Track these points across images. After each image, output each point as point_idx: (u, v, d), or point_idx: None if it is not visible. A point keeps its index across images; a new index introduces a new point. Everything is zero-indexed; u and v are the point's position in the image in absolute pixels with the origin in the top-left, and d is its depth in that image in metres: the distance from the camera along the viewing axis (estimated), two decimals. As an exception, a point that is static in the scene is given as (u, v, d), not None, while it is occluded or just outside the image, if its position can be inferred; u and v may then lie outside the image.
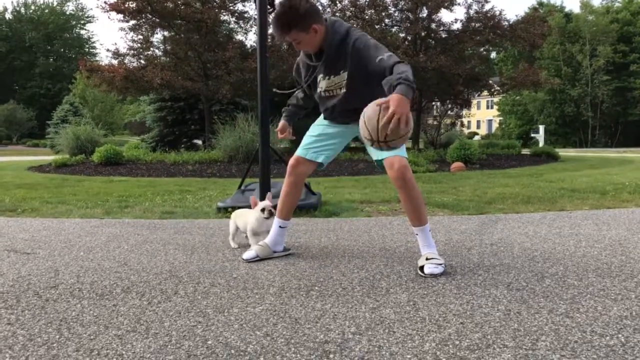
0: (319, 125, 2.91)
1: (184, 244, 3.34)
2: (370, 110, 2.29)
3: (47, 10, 73.43)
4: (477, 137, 50.39)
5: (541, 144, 23.82)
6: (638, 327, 1.83)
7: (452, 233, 3.60)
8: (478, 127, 62.22)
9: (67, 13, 75.32)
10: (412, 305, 2.10)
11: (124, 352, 1.67)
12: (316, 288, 2.36)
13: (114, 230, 3.84)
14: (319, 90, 2.75)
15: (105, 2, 11.81)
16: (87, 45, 77.76)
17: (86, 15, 76.87)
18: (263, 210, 3.04)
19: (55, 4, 74.72)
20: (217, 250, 3.15)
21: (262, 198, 4.31)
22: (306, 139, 2.92)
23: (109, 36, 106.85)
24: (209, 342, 1.76)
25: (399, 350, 1.67)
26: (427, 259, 2.58)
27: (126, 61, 13.01)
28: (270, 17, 2.54)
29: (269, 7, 4.39)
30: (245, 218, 3.18)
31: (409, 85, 2.21)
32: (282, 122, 3.04)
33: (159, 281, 2.50)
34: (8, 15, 72.49)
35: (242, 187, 5.12)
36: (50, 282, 2.50)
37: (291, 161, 2.93)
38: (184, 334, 1.84)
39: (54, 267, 2.78)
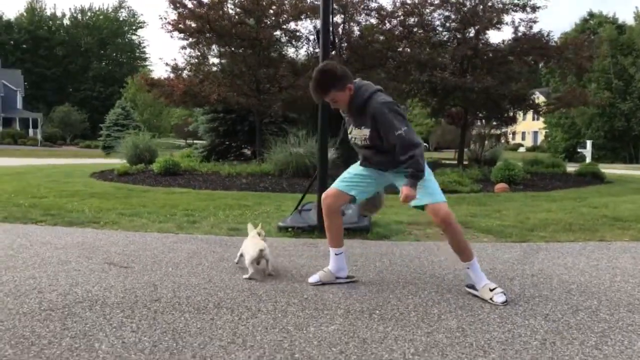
0: (356, 166, 3.34)
1: (256, 263, 3.80)
2: None
3: (101, 17, 76.64)
4: (521, 149, 49.62)
5: (588, 159, 23.50)
6: (656, 361, 2.17)
7: (496, 262, 3.94)
8: (523, 138, 61.23)
9: (120, 19, 78.37)
10: (461, 332, 2.49)
11: (230, 360, 2.12)
12: (377, 312, 2.77)
13: (191, 247, 4.34)
14: (350, 136, 3.21)
15: (168, 23, 12.60)
16: (137, 50, 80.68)
17: (137, 22, 79.83)
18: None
19: (109, 10, 77.93)
20: (286, 271, 3.60)
21: (320, 218, 4.74)
22: (343, 175, 3.34)
23: (159, 43, 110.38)
24: (296, 356, 2.19)
25: (452, 371, 2.06)
26: (491, 289, 2.96)
27: (184, 75, 13.74)
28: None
29: (330, 45, 4.83)
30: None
31: (417, 176, 2.85)
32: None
33: (243, 298, 2.95)
34: (66, 21, 76.02)
35: (300, 207, 5.56)
36: (153, 295, 2.99)
37: (324, 193, 3.34)
38: (274, 347, 2.28)
39: (151, 281, 3.28)
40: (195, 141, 36.33)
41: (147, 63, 78.00)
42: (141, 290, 3.07)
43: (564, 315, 2.73)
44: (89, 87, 69.86)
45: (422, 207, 3.02)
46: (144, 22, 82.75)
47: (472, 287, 3.09)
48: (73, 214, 5.94)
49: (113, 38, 76.10)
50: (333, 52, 5.33)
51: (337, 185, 3.30)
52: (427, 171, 3.01)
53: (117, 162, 14.32)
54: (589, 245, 4.70)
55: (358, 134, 3.11)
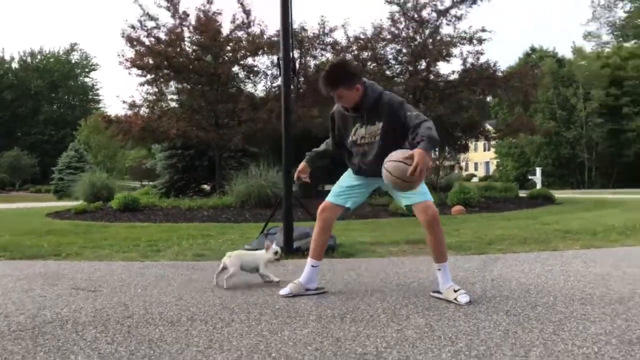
0: (348, 177, 3.45)
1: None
2: (394, 160, 2.86)
3: (52, 59, 75.37)
4: (474, 179, 51.07)
5: (538, 185, 24.40)
6: (609, 342, 2.33)
7: (457, 270, 4.11)
8: (476, 169, 63.10)
9: (72, 62, 77.31)
10: (429, 327, 2.61)
11: (209, 362, 2.17)
12: (348, 316, 2.86)
13: (158, 271, 4.34)
14: (354, 138, 3.26)
15: (126, 59, 12.65)
16: (91, 93, 79.53)
17: (90, 64, 78.90)
18: (276, 253, 3.67)
19: (60, 53, 76.82)
20: (257, 287, 3.65)
21: (287, 242, 4.84)
22: (336, 188, 3.46)
23: (114, 83, 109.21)
24: (273, 355, 2.26)
25: (422, 358, 2.17)
26: (455, 290, 3.10)
27: (141, 112, 13.73)
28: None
29: (292, 73, 5.01)
30: (255, 258, 3.72)
31: (431, 141, 2.78)
32: (303, 164, 3.56)
33: (215, 312, 2.99)
34: (14, 65, 74.43)
35: (265, 231, 5.63)
36: (125, 313, 2.99)
37: (321, 207, 3.46)
38: (251, 349, 2.33)
39: (122, 301, 3.27)
40: (151, 182, 35.96)
41: (100, 105, 76.99)
42: (112, 310, 3.07)
43: (523, 310, 2.89)
44: (40, 131, 68.08)
45: (410, 208, 3.16)
46: (97, 65, 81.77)
47: (437, 292, 3.23)
48: (32, 249, 5.82)
49: (64, 81, 74.81)
50: (295, 80, 5.52)
51: (331, 199, 3.42)
52: None
53: (72, 204, 14.00)
54: (543, 254, 4.94)
55: (368, 132, 3.17)
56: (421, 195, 3.11)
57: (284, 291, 3.38)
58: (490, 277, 3.84)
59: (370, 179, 3.39)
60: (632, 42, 50.01)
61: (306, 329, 2.63)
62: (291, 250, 4.99)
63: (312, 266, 3.44)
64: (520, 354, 2.20)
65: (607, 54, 44.02)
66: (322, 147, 3.61)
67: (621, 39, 53.42)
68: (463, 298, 3.05)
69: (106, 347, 2.40)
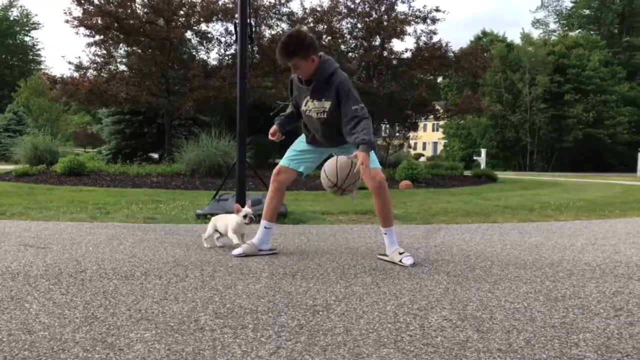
0: (301, 142, 3.56)
1: (178, 243, 3.89)
2: (333, 165, 3.11)
3: (-12, 15, 71.10)
4: (422, 159, 52.22)
5: (482, 166, 25.25)
6: (537, 299, 2.55)
7: (403, 237, 4.30)
8: (424, 148, 64.47)
9: (11, 19, 73.09)
10: (376, 285, 2.76)
11: (165, 312, 2.24)
12: (299, 274, 2.99)
13: (109, 232, 4.33)
14: (304, 108, 3.35)
15: (74, 18, 12.12)
16: (31, 53, 75.61)
17: (31, 22, 74.83)
18: (245, 216, 3.62)
19: (-3, 9, 72.46)
20: (209, 249, 3.72)
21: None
22: (289, 152, 3.56)
23: (58, 44, 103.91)
24: (227, 306, 2.35)
25: (368, 310, 2.32)
26: (400, 253, 3.28)
27: (88, 74, 13.26)
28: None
29: (248, 39, 5.02)
30: (226, 221, 3.73)
31: (370, 147, 3.03)
32: (274, 127, 3.57)
33: (169, 268, 3.05)
34: (-53, 19, 69.69)
35: (217, 197, 5.67)
36: (77, 268, 3.01)
37: (275, 170, 3.56)
38: (206, 301, 2.42)
39: (74, 257, 3.28)
40: (95, 149, 34.83)
41: (42, 67, 73.36)
42: (64, 265, 3.08)
43: (462, 272, 3.10)
44: (-27, 91, 64.39)
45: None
46: (39, 24, 77.72)
47: (384, 255, 3.40)
48: (-27, 208, 5.65)
49: (2, 38, 70.76)
50: (250, 47, 5.52)
51: (285, 163, 3.52)
52: None
53: (11, 167, 13.46)
54: (483, 226, 5.22)
55: (316, 107, 3.26)
56: (371, 163, 3.24)
57: (236, 251, 3.47)
58: (433, 244, 4.06)
59: (321, 148, 3.51)
60: (577, 31, 51.96)
61: (259, 284, 2.74)
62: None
63: (265, 227, 3.54)
64: (458, 307, 2.38)
65: (553, 42, 45.54)
66: (289, 109, 3.63)
67: (567, 28, 55.36)
68: (407, 260, 3.23)
69: (61, 297, 2.43)
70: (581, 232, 4.90)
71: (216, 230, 3.78)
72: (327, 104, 3.21)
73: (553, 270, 3.17)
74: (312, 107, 3.29)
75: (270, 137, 3.61)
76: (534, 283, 2.86)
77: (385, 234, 3.37)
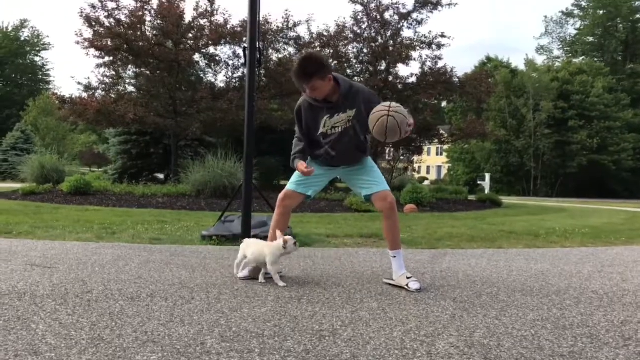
0: (309, 164, 3.55)
1: (184, 264, 3.90)
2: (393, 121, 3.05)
3: (0, 35, 72.12)
4: (426, 182, 52.22)
5: (487, 191, 25.26)
6: (545, 326, 2.54)
7: (409, 262, 4.28)
8: (428, 172, 64.48)
9: (22, 39, 74.17)
10: (382, 310, 2.76)
11: (171, 334, 2.24)
12: (305, 298, 2.98)
13: (115, 252, 4.34)
14: (323, 130, 3.35)
15: (84, 39, 12.32)
16: (40, 73, 76.54)
17: (42, 43, 75.87)
18: (285, 243, 3.27)
19: (9, 29, 73.54)
20: (215, 270, 3.72)
21: (245, 229, 4.91)
22: (295, 177, 3.56)
23: (68, 65, 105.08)
24: (234, 329, 2.35)
25: (375, 336, 2.31)
26: (407, 277, 3.28)
27: (97, 95, 13.41)
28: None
29: (257, 63, 5.08)
30: (260, 250, 3.33)
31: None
32: (301, 162, 3.42)
33: (175, 290, 3.05)
34: (-42, 39, 70.74)
35: (223, 219, 5.68)
36: (83, 289, 3.01)
37: (281, 195, 3.57)
38: (212, 324, 2.42)
39: (80, 278, 3.29)
40: (100, 169, 34.97)
41: (51, 86, 74.15)
42: (70, 285, 3.08)
43: (469, 298, 3.09)
44: (-18, 109, 64.97)
45: (369, 198, 3.37)
46: (49, 44, 78.68)
47: (390, 279, 3.39)
48: (-20, 226, 5.67)
49: (12, 58, 71.71)
50: (258, 71, 5.58)
51: (293, 187, 3.52)
52: (374, 163, 3.49)
53: (18, 186, 13.53)
54: (489, 251, 5.20)
55: (341, 119, 3.29)
56: (380, 186, 3.32)
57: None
58: (439, 269, 4.04)
59: (329, 169, 3.53)
60: (581, 58, 52.28)
61: (265, 307, 2.73)
62: (249, 237, 5.06)
63: (271, 251, 3.53)
64: (465, 334, 2.37)
65: (557, 68, 45.79)
66: (300, 146, 3.51)
67: (570, 55, 55.72)
68: (414, 285, 3.22)
69: (67, 318, 2.43)
70: (587, 259, 4.87)
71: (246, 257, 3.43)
72: (352, 112, 3.28)
73: (560, 298, 3.16)
74: (336, 121, 3.31)
75: (306, 174, 3.39)
76: (541, 310, 2.85)
77: (394, 257, 3.38)
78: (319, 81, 3.16)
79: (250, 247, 3.41)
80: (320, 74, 3.14)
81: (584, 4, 53.87)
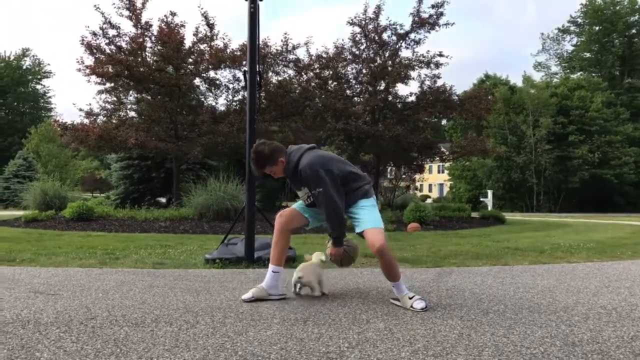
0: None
1: (187, 288, 3.87)
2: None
3: (2, 64, 72.84)
4: (429, 200, 52.17)
5: (489, 207, 25.21)
6: (554, 343, 2.51)
7: (414, 281, 4.27)
8: (430, 190, 64.47)
9: (24, 67, 74.92)
10: (389, 330, 2.73)
11: None
12: (311, 319, 2.95)
13: (118, 277, 4.32)
14: (301, 196, 3.60)
15: (86, 66, 12.44)
16: (42, 100, 77.14)
17: (43, 71, 76.61)
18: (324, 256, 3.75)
19: (11, 58, 74.33)
20: (219, 293, 3.70)
21: (249, 251, 4.90)
22: (295, 205, 3.65)
23: (69, 92, 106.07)
24: (239, 353, 2.33)
25: (383, 357, 2.28)
26: (410, 297, 3.26)
27: (98, 121, 13.49)
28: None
29: (257, 86, 5.12)
30: (314, 271, 3.69)
31: (338, 242, 3.53)
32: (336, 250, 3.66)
33: (179, 314, 3.03)
34: (-40, 69, 71.45)
35: (226, 241, 5.66)
36: (87, 315, 2.99)
37: (280, 213, 3.60)
38: (217, 348, 2.39)
39: (84, 304, 3.26)
40: (102, 194, 35.01)
41: (52, 114, 74.67)
42: (74, 312, 3.06)
43: (476, 316, 3.06)
44: (-15, 137, 65.32)
45: (361, 234, 3.40)
46: (51, 72, 79.45)
47: (396, 299, 3.37)
48: (-17, 255, 5.66)
49: (14, 87, 72.36)
50: (258, 94, 5.62)
51: (295, 206, 3.65)
52: (372, 201, 3.48)
53: (20, 213, 13.54)
54: (494, 269, 5.17)
55: (302, 195, 3.54)
56: (368, 223, 3.37)
57: (246, 296, 3.44)
58: (445, 287, 4.01)
59: None
60: (578, 73, 52.62)
61: (270, 330, 2.71)
62: (252, 260, 5.05)
63: (273, 272, 3.52)
64: (473, 353, 2.34)
65: (555, 84, 46.04)
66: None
67: (568, 71, 56.09)
68: (418, 304, 3.19)
69: (71, 345, 2.41)
70: (594, 274, 4.84)
71: (300, 278, 3.61)
72: (306, 189, 3.47)
73: (568, 314, 3.12)
74: (301, 195, 3.57)
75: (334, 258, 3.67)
76: (549, 327, 2.82)
77: (393, 286, 3.39)
78: (272, 167, 3.47)
79: (305, 271, 3.66)
80: (270, 163, 3.44)
81: (579, 20, 54.37)
